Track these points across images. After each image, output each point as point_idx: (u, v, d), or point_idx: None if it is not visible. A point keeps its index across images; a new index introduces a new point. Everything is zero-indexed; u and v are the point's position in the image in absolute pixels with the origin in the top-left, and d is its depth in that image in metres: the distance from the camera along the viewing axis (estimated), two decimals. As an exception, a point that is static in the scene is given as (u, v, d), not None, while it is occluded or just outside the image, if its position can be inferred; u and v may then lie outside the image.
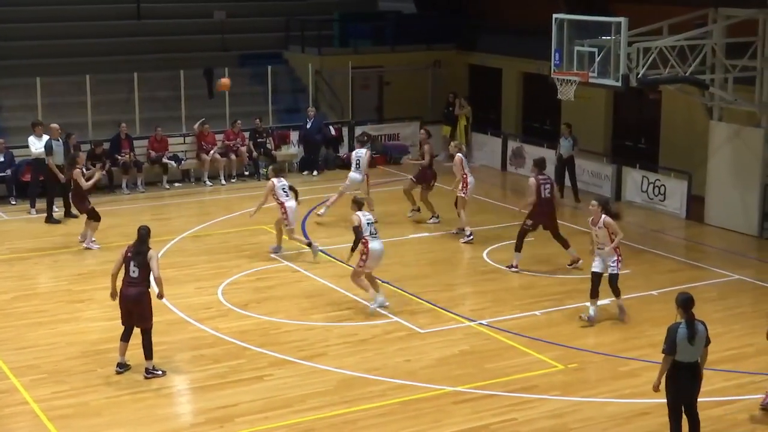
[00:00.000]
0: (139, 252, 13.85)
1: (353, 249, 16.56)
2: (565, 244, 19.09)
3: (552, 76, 20.40)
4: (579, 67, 19.75)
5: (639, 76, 19.46)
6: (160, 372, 14.05)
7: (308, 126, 27.57)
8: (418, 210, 22.41)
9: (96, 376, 14.06)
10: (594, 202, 16.21)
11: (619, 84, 19.29)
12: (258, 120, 27.29)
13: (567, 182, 24.60)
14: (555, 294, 17.65)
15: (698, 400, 11.65)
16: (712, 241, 21.29)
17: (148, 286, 13.94)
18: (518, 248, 18.92)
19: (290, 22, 31.40)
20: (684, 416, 11.67)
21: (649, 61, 19.54)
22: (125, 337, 14.09)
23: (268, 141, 27.33)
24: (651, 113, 25.60)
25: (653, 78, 19.96)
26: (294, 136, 28.08)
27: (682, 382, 11.41)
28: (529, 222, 18.94)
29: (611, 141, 26.99)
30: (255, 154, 26.96)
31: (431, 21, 32.36)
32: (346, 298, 17.39)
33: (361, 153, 22.26)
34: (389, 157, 28.73)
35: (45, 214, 22.57)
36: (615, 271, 15.99)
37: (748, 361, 14.69)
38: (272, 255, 19.60)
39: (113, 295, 14.03)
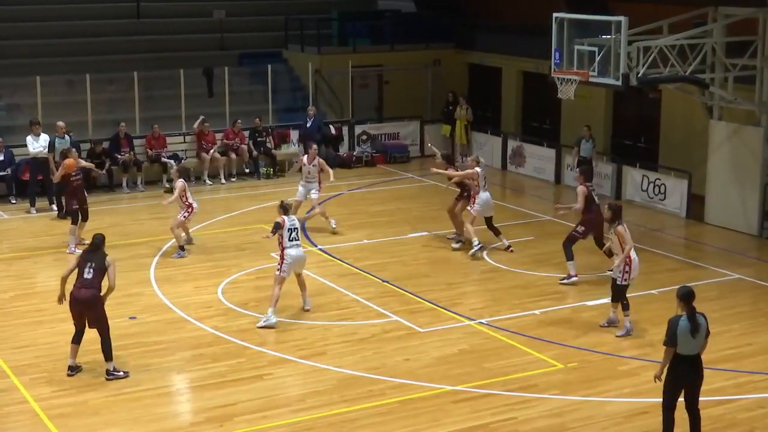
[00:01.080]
0: (97, 256, 13.87)
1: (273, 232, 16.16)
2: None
3: (552, 75, 20.38)
4: (579, 66, 19.74)
5: (639, 75, 19.44)
6: (121, 373, 13.97)
7: (308, 125, 27.54)
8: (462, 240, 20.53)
9: (95, 375, 14.04)
10: (605, 207, 15.91)
11: (619, 83, 19.27)
12: (258, 119, 27.28)
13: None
14: (554, 293, 17.65)
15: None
16: (712, 240, 21.29)
17: (101, 290, 13.88)
18: (570, 257, 18.09)
19: (289, 21, 31.38)
20: (686, 415, 11.72)
21: (649, 60, 19.52)
22: (76, 339, 14.04)
23: (267, 140, 27.32)
24: (651, 112, 25.59)
25: (653, 77, 19.94)
26: (294, 135, 28.07)
27: (683, 375, 11.47)
28: (581, 229, 18.15)
29: (611, 140, 26.98)
30: (255, 153, 26.96)
31: (430, 20, 32.34)
32: (345, 297, 17.39)
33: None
34: (389, 156, 28.72)
35: (46, 213, 22.67)
36: (619, 280, 15.52)
37: (747, 361, 14.69)
38: (176, 257, 19.60)
39: (60, 299, 14.06)
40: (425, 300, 17.23)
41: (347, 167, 27.95)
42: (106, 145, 25.17)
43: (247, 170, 27.05)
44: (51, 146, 22.61)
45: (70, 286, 13.95)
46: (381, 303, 17.05)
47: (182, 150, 26.50)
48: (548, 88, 21.31)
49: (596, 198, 18.36)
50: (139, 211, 23.51)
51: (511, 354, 14.91)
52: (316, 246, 20.30)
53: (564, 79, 20.07)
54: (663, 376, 11.64)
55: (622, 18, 19.05)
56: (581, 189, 18.20)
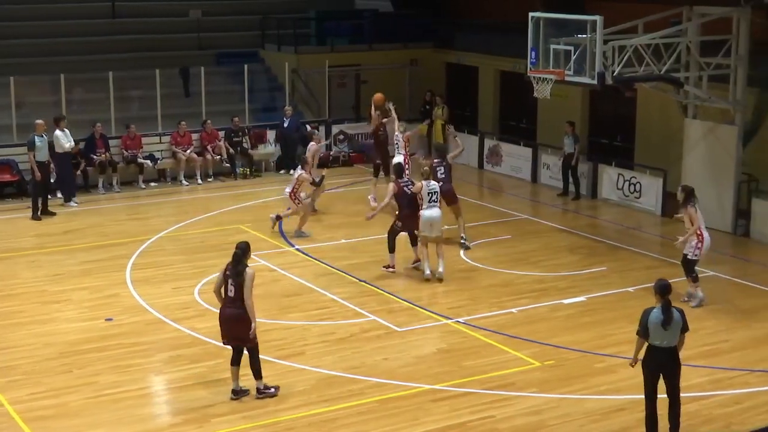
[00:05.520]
0: (236, 272, 13.14)
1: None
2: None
3: (528, 74, 20.45)
4: (555, 65, 19.78)
5: (614, 73, 19.52)
6: (272, 389, 13.49)
7: (285, 125, 27.56)
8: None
9: (74, 377, 14.03)
10: (678, 188, 17.11)
11: (594, 82, 19.34)
12: (236, 119, 27.25)
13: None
14: (531, 291, 17.72)
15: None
16: (688, 237, 21.40)
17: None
18: (391, 249, 18.70)
19: (266, 21, 31.37)
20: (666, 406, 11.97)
21: (625, 59, 19.61)
22: (235, 360, 13.42)
23: (244, 140, 27.28)
24: (627, 111, 25.70)
25: (628, 76, 20.02)
26: (271, 135, 28.05)
27: (656, 365, 11.75)
28: (399, 224, 18.70)
29: (587, 139, 27.08)
30: (231, 152, 26.89)
31: (408, 19, 32.42)
32: (323, 297, 17.41)
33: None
34: (366, 155, 28.74)
35: (23, 214, 22.68)
36: (689, 254, 16.74)
37: (723, 357, 14.81)
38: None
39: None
40: (403, 299, 17.27)
41: (324, 167, 27.85)
42: (81, 145, 25.06)
43: (225, 163, 26.83)
44: (31, 145, 22.44)
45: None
46: (359, 303, 17.08)
47: (158, 150, 26.43)
48: (525, 87, 21.37)
49: (409, 192, 18.48)
50: (117, 212, 23.44)
51: (489, 352, 14.97)
52: (293, 246, 20.33)
53: (540, 78, 20.13)
54: (637, 364, 12.03)
55: (597, 17, 19.12)
56: (391, 186, 18.75)
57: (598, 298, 17.25)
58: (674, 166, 22.83)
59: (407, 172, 20.13)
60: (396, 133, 22.55)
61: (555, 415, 12.92)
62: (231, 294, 13.15)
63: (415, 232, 18.60)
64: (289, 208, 21.23)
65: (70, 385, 13.74)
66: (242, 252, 13.23)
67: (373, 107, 23.51)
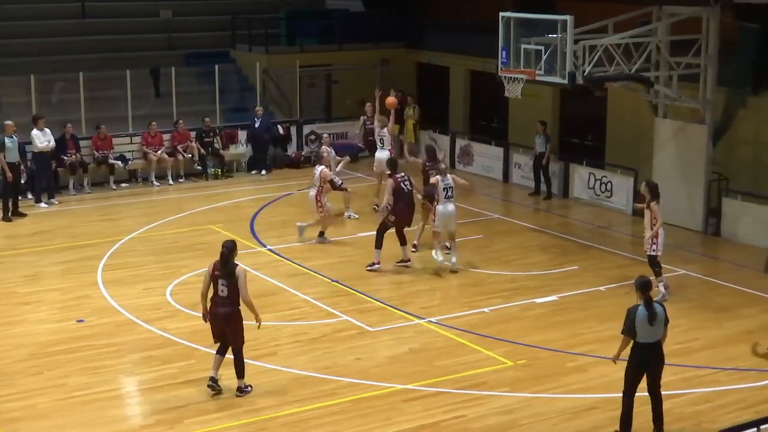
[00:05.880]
0: (226, 271, 13.09)
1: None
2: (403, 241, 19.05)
3: (499, 74, 20.49)
4: (526, 65, 19.83)
5: (585, 73, 19.60)
6: (249, 389, 13.50)
7: (256, 125, 27.51)
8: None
9: (45, 378, 13.94)
10: (643, 183, 17.40)
11: (565, 81, 19.41)
12: (207, 119, 27.16)
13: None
14: (503, 291, 17.76)
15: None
16: (658, 236, 21.52)
17: (239, 305, 13.23)
18: (379, 245, 18.78)
19: (237, 21, 31.31)
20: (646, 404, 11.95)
21: (595, 59, 19.69)
22: (221, 351, 13.45)
23: (215, 140, 27.19)
24: (598, 110, 25.79)
25: (599, 75, 20.12)
26: (242, 135, 27.98)
27: (643, 361, 11.81)
28: (392, 218, 18.74)
29: (558, 138, 27.17)
30: (203, 152, 26.79)
31: (379, 19, 32.41)
32: (295, 297, 17.39)
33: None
34: (338, 155, 28.67)
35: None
36: (649, 252, 16.99)
37: (694, 356, 14.88)
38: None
39: (204, 317, 13.40)
40: (375, 299, 17.27)
41: (296, 167, 27.91)
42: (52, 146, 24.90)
43: (197, 165, 26.78)
44: (1, 146, 22.28)
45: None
46: (331, 303, 17.06)
47: (129, 151, 26.31)
48: (496, 87, 21.42)
49: (405, 188, 18.70)
50: (88, 213, 23.31)
51: (461, 352, 15.00)
52: (265, 246, 20.29)
53: (511, 77, 20.18)
54: (620, 360, 12.05)
55: (567, 17, 19.19)
56: (389, 182, 18.78)
57: (570, 297, 17.32)
58: (645, 166, 22.93)
59: None
60: (377, 129, 23.01)
61: (527, 414, 12.95)
62: (223, 294, 13.15)
63: (431, 230, 18.82)
64: (321, 209, 20.52)
65: (41, 387, 13.66)
66: (229, 251, 13.17)
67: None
